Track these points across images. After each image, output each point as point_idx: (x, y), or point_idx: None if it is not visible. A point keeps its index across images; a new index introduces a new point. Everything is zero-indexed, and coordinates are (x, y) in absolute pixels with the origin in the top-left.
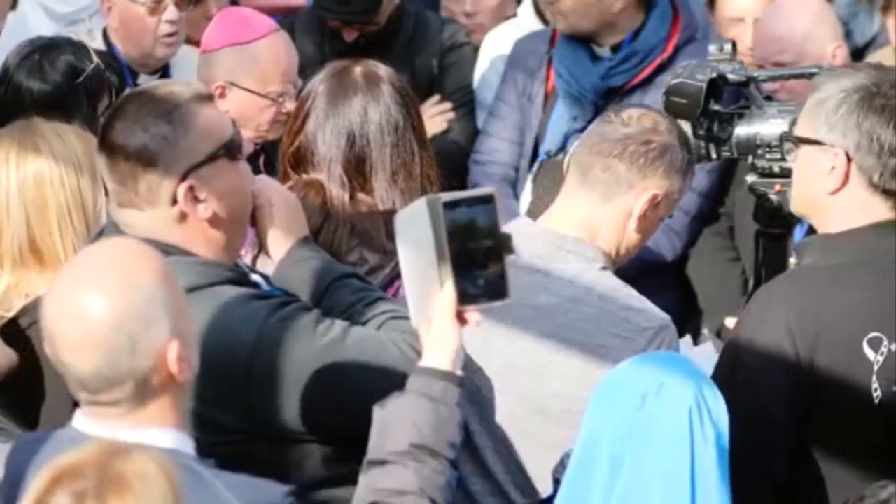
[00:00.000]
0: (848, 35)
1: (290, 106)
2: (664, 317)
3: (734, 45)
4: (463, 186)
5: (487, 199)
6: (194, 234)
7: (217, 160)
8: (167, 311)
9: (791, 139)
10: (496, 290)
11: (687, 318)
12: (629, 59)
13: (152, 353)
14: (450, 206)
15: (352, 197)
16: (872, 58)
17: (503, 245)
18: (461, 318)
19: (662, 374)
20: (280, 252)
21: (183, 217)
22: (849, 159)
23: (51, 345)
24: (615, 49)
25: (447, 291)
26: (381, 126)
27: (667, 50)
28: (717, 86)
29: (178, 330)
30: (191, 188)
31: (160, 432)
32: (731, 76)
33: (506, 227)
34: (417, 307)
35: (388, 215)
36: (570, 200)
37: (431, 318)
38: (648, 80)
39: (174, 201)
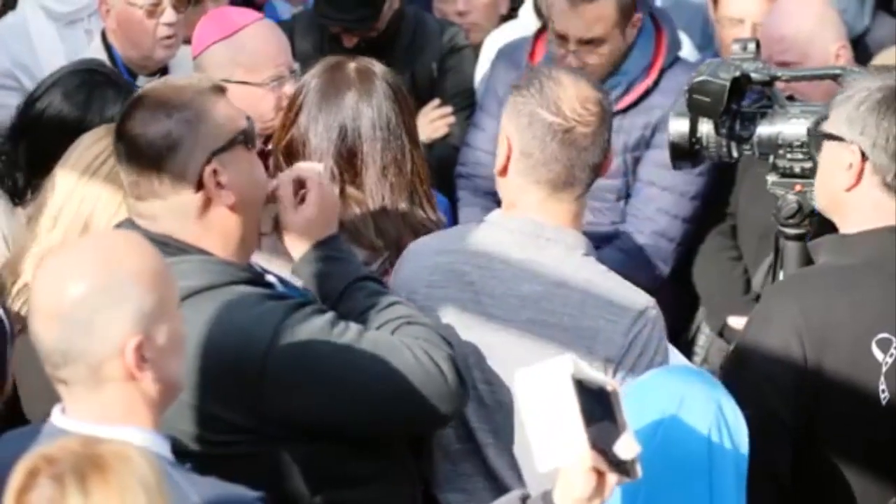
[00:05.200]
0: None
1: (289, 90)
2: (648, 298)
3: (758, 43)
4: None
5: (608, 393)
6: (212, 227)
7: (236, 146)
8: (137, 305)
9: (815, 134)
10: (623, 466)
11: (682, 315)
12: (614, 89)
13: (109, 340)
14: (578, 382)
15: (342, 191)
16: (879, 58)
17: (625, 432)
18: (598, 473)
19: (682, 389)
20: (300, 250)
21: (206, 205)
22: (864, 157)
23: (28, 313)
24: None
25: (586, 445)
26: (374, 121)
27: (650, 75)
28: (740, 84)
29: (147, 329)
30: (214, 171)
31: (134, 431)
32: (754, 75)
33: (484, 219)
34: (543, 450)
35: (378, 212)
36: (546, 194)
37: (560, 464)
38: (632, 105)
39: (198, 187)
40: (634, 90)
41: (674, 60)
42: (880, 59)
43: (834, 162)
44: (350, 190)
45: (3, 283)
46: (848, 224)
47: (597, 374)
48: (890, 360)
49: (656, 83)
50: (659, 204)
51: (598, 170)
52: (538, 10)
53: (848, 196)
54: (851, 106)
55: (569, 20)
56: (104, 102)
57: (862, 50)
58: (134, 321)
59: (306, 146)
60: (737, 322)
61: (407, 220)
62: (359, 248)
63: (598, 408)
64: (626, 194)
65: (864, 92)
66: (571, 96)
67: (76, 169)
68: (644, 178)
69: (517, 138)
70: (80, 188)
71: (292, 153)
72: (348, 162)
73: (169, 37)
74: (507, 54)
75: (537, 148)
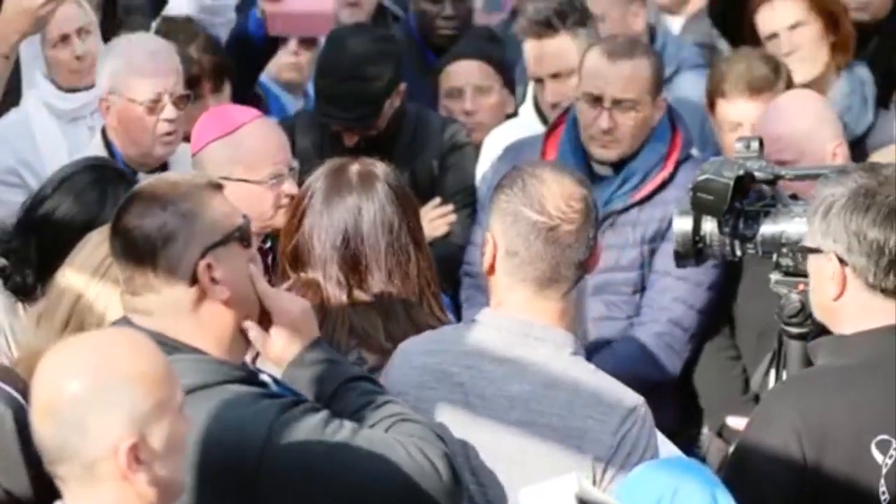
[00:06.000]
0: (843, 128)
1: (288, 188)
2: (637, 397)
3: (761, 142)
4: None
5: None
6: (206, 323)
7: (231, 242)
8: (132, 407)
9: (801, 249)
10: None
11: (685, 414)
12: (629, 178)
13: (102, 441)
14: (582, 502)
15: (349, 296)
16: (876, 157)
17: None
18: None
19: (677, 481)
20: (291, 354)
21: (200, 299)
22: (843, 263)
23: (29, 404)
24: (616, 166)
25: None
26: (375, 225)
27: (666, 167)
28: (744, 183)
29: (142, 431)
30: (209, 266)
31: None
32: (758, 174)
33: (474, 318)
34: None
35: (386, 315)
36: (532, 292)
37: None
38: (648, 198)
39: (192, 281)
40: (651, 181)
41: (687, 157)
42: (876, 157)
43: (819, 274)
44: (357, 294)
45: (24, 380)
46: (843, 330)
47: (601, 494)
48: (890, 462)
49: (672, 176)
50: (675, 293)
51: (584, 267)
52: (538, 110)
53: (837, 305)
54: (820, 216)
55: (606, 78)
56: (117, 200)
57: (865, 148)
58: (128, 423)
59: (311, 252)
60: (735, 422)
61: (415, 322)
62: (369, 352)
63: None
64: (641, 287)
65: (830, 198)
66: (555, 194)
67: (87, 268)
68: (660, 269)
69: (502, 237)
70: (93, 287)
71: (298, 258)
72: (353, 268)
73: (169, 133)
74: (514, 152)
75: (522, 246)
